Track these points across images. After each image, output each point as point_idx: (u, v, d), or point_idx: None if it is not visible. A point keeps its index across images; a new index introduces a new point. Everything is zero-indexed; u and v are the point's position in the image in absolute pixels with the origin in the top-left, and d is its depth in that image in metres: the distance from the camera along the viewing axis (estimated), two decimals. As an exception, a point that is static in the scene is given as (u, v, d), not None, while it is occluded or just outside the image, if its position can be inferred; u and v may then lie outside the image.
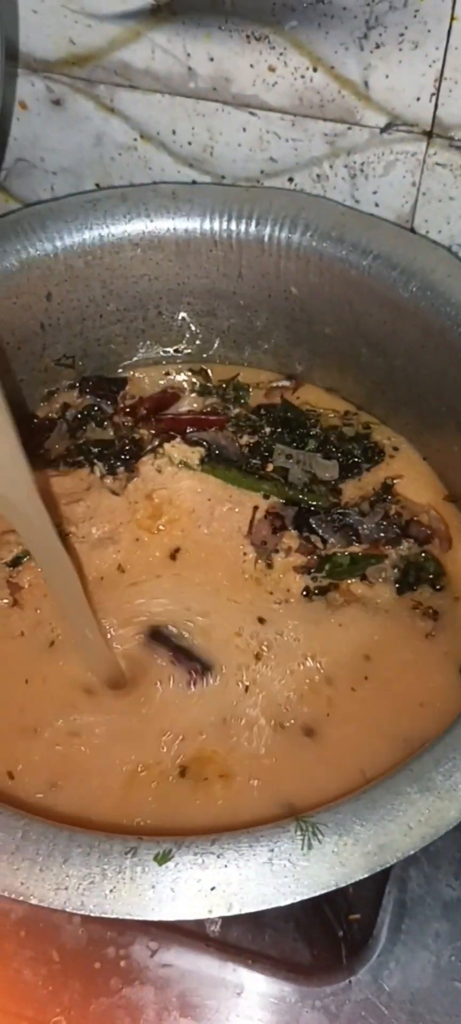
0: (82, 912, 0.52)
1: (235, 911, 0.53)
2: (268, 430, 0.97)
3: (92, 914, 0.52)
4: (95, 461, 0.93)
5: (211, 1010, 0.70)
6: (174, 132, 0.98)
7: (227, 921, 0.73)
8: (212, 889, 0.54)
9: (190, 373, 1.03)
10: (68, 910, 0.52)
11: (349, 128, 0.93)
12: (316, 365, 1.02)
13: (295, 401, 1.01)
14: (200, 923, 0.73)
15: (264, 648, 0.82)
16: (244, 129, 0.96)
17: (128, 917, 0.51)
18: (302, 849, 0.55)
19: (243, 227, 0.94)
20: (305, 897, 0.53)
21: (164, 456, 0.92)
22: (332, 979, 0.72)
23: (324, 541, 0.88)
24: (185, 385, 1.02)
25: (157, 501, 0.90)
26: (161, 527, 0.88)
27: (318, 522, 0.89)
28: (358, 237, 0.92)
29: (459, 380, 0.87)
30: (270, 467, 0.94)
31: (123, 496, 0.90)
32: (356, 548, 0.88)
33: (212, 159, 0.99)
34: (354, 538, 0.88)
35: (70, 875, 0.54)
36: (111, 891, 0.53)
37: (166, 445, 0.92)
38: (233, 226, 0.94)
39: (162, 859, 0.54)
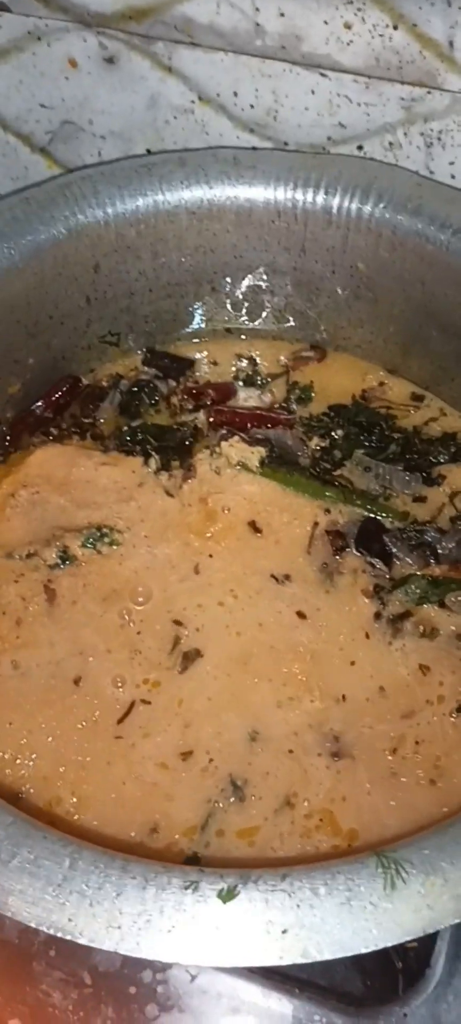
0: (136, 955, 0.46)
1: (310, 958, 0.47)
2: (340, 432, 0.88)
3: (147, 957, 0.46)
4: (151, 453, 0.85)
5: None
6: (236, 94, 0.92)
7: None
8: (284, 932, 0.48)
9: (239, 359, 0.95)
10: (122, 952, 0.45)
11: (429, 92, 0.86)
12: (377, 343, 0.94)
13: (335, 374, 0.93)
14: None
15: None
16: (313, 92, 0.89)
17: (189, 963, 0.45)
18: (385, 889, 0.49)
19: (310, 196, 0.88)
20: (389, 944, 0.47)
21: (221, 455, 0.84)
22: (385, 1011, 0.65)
23: (392, 562, 0.79)
24: (236, 371, 0.94)
25: (211, 506, 0.82)
26: (210, 535, 0.80)
27: (392, 539, 0.80)
28: (436, 210, 0.85)
29: None
30: (339, 473, 0.85)
31: (177, 498, 0.82)
32: (434, 570, 0.78)
33: (275, 124, 0.92)
34: (432, 558, 0.79)
35: (124, 912, 0.47)
36: (169, 932, 0.47)
37: (224, 444, 0.84)
38: (299, 195, 0.88)
39: (227, 896, 0.48)
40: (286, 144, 0.94)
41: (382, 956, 0.64)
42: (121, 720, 0.70)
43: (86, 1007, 0.64)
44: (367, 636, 0.75)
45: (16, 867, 0.49)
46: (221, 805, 0.66)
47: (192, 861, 0.63)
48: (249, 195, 0.88)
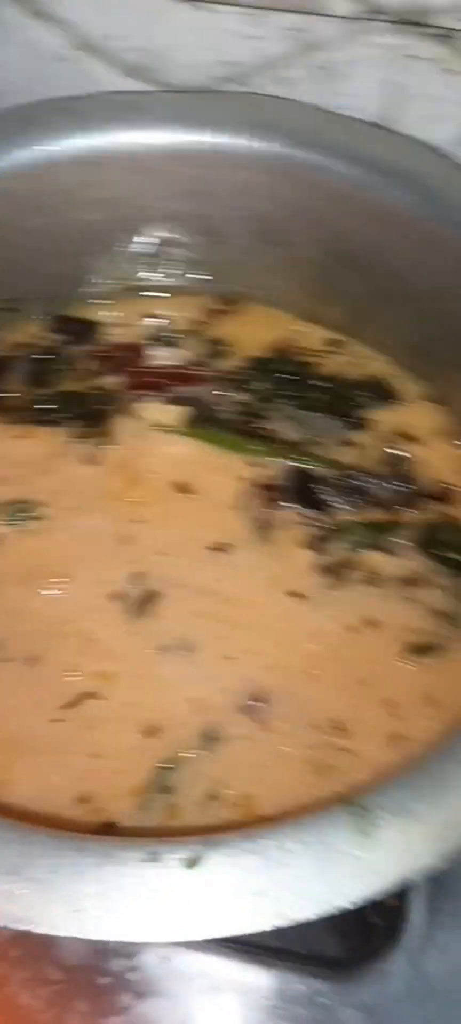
0: (100, 938, 0.43)
1: (288, 920, 0.45)
2: (261, 386, 0.87)
3: (112, 939, 0.43)
4: (67, 421, 0.83)
5: (238, 1019, 0.64)
6: (118, 36, 0.90)
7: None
8: (256, 896, 0.45)
9: (148, 318, 0.93)
10: (82, 937, 0.43)
11: (314, 21, 0.86)
12: (291, 291, 0.93)
13: (242, 328, 0.92)
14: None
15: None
16: (196, 29, 0.88)
17: (158, 940, 0.43)
18: (359, 839, 0.47)
19: (206, 137, 0.86)
20: (374, 894, 0.46)
21: (139, 417, 0.83)
22: (368, 971, 0.66)
23: (326, 510, 0.79)
24: (146, 330, 0.92)
25: (134, 470, 0.80)
26: (137, 500, 0.79)
27: (323, 487, 0.80)
28: (341, 143, 0.84)
29: (466, 294, 0.79)
30: (265, 427, 0.85)
31: (97, 465, 0.81)
32: (369, 515, 0.79)
33: (159, 66, 0.91)
34: (365, 503, 0.80)
35: (82, 894, 0.45)
36: (132, 909, 0.45)
37: (142, 406, 0.83)
38: (194, 137, 0.86)
39: (191, 864, 0.46)
40: (174, 88, 0.92)
41: (359, 916, 0.64)
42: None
43: (57, 1004, 0.63)
44: (309, 587, 0.75)
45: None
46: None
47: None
48: (141, 140, 0.86)
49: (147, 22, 0.89)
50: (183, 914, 0.46)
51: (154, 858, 0.47)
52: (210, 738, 0.68)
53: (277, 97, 0.89)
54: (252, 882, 0.47)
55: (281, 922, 0.46)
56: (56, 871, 0.46)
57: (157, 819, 0.64)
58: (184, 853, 0.47)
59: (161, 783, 0.66)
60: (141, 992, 0.65)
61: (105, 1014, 0.63)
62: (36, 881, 0.46)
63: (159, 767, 0.66)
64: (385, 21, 0.85)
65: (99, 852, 0.47)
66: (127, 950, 0.66)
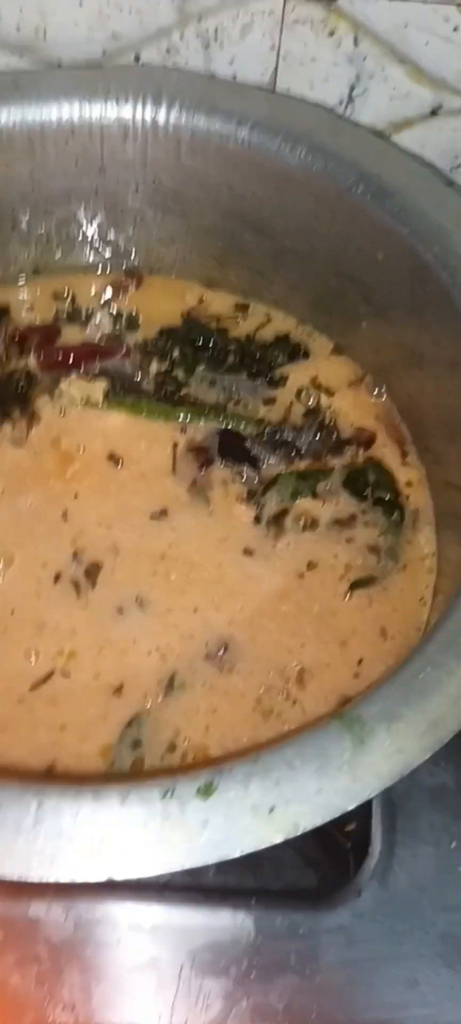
0: (129, 877, 0.46)
1: (302, 829, 0.50)
2: (177, 353, 0.91)
3: (144, 876, 0.47)
4: None
5: (227, 959, 0.67)
6: (-5, 16, 0.89)
7: (222, 865, 0.69)
8: (271, 812, 0.50)
9: (56, 298, 0.96)
10: (118, 878, 0.46)
11: (198, -14, 0.88)
12: (192, 259, 0.98)
13: (148, 300, 0.96)
14: (193, 874, 0.70)
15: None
16: (80, 4, 0.90)
17: (189, 866, 0.47)
18: (354, 746, 0.53)
19: (101, 111, 0.89)
20: (378, 791, 0.51)
21: (63, 396, 0.85)
22: (342, 897, 0.71)
23: (258, 466, 0.84)
24: (56, 310, 0.95)
25: (65, 448, 0.83)
26: (71, 476, 0.82)
27: (252, 444, 0.85)
28: (232, 107, 0.89)
29: (363, 245, 0.86)
30: (188, 393, 0.89)
31: (26, 447, 0.83)
32: (298, 465, 0.85)
33: (45, 44, 0.92)
34: (294, 455, 0.85)
35: (106, 838, 0.48)
36: (157, 843, 0.48)
37: (62, 384, 0.86)
38: (89, 111, 0.89)
39: (206, 792, 0.50)
40: (60, 65, 0.94)
41: (328, 845, 0.69)
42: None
43: (49, 980, 0.65)
44: (251, 542, 0.80)
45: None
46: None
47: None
48: (37, 116, 0.87)
49: (28, 1, 0.90)
50: (206, 840, 0.49)
51: (171, 793, 0.50)
52: (172, 685, 0.72)
53: (168, 67, 0.93)
54: (265, 800, 0.51)
55: (294, 832, 0.50)
56: (75, 819, 0.48)
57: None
58: (197, 783, 0.50)
59: (127, 739, 0.69)
60: (130, 953, 0.67)
61: (98, 980, 0.66)
62: (57, 831, 0.49)
63: (125, 726, 0.69)
64: (269, -14, 0.89)
65: (117, 794, 0.49)
66: (109, 918, 0.68)
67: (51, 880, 0.47)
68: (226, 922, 0.69)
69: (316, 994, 0.67)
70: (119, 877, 0.47)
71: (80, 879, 0.47)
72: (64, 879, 0.47)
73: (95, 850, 0.48)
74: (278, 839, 0.49)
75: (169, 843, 0.49)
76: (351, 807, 0.51)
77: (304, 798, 0.51)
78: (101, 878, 0.47)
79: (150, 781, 0.51)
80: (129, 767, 0.68)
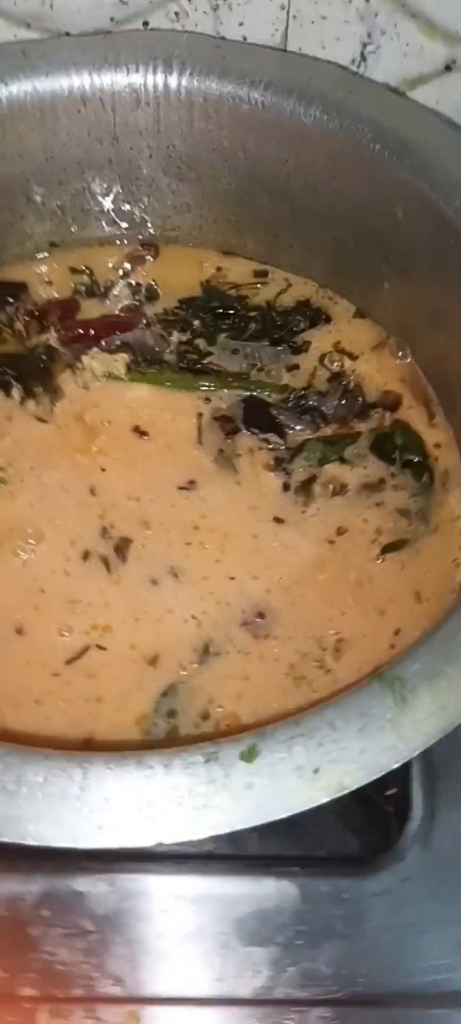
0: (177, 840, 0.47)
1: (347, 789, 0.50)
2: (198, 323, 0.92)
3: (192, 838, 0.48)
4: (12, 383, 0.85)
5: (273, 927, 0.68)
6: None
7: (265, 834, 0.70)
8: (316, 772, 0.51)
9: (73, 272, 0.96)
10: (166, 842, 0.47)
11: None
12: (208, 227, 0.98)
13: (166, 270, 0.96)
14: (236, 843, 0.72)
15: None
16: (87, -29, 0.89)
17: (238, 828, 0.47)
18: (396, 704, 0.53)
19: (112, 77, 0.89)
20: (423, 748, 0.52)
21: (85, 370, 0.86)
22: (386, 861, 0.72)
23: (284, 433, 0.85)
24: (74, 284, 0.95)
25: (89, 422, 0.84)
26: (97, 449, 0.82)
27: (278, 411, 0.85)
28: (244, 69, 0.89)
29: (382, 204, 0.86)
30: (208, 362, 0.90)
31: (51, 422, 0.83)
32: (325, 431, 0.85)
33: (52, 13, 0.92)
34: (320, 420, 0.85)
35: (153, 804, 0.49)
36: (204, 806, 0.49)
37: (84, 358, 0.86)
38: (100, 78, 0.89)
39: (249, 756, 0.51)
40: (67, 34, 0.93)
41: (370, 811, 0.70)
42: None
43: (98, 953, 0.66)
44: (281, 509, 0.80)
45: (26, 793, 0.49)
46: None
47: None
48: (48, 86, 0.88)
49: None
50: (252, 802, 0.50)
51: (214, 758, 0.50)
52: (207, 652, 0.73)
53: (179, 31, 0.92)
54: (309, 762, 0.51)
55: (339, 792, 0.51)
56: (120, 785, 0.50)
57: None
58: (240, 747, 0.51)
59: (163, 709, 0.70)
60: (175, 924, 0.68)
61: (145, 952, 0.67)
62: (104, 800, 0.50)
63: (160, 696, 0.70)
64: None
65: (160, 762, 0.50)
66: (151, 891, 0.69)
67: (99, 846, 0.48)
68: (270, 890, 0.70)
69: (364, 958, 0.68)
70: (167, 841, 0.48)
71: (128, 844, 0.48)
72: (112, 845, 0.48)
73: (142, 816, 0.49)
74: (323, 799, 0.50)
75: (215, 807, 0.50)
76: (396, 765, 0.52)
77: (349, 758, 0.52)
78: (149, 843, 0.48)
79: (192, 747, 0.51)
80: (164, 736, 0.68)
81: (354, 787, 0.51)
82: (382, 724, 0.53)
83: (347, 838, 0.75)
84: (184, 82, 0.89)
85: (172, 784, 0.50)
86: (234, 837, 0.52)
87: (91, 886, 0.68)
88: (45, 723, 0.69)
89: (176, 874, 0.70)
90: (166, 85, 0.89)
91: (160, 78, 0.89)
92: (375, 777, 0.51)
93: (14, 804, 0.49)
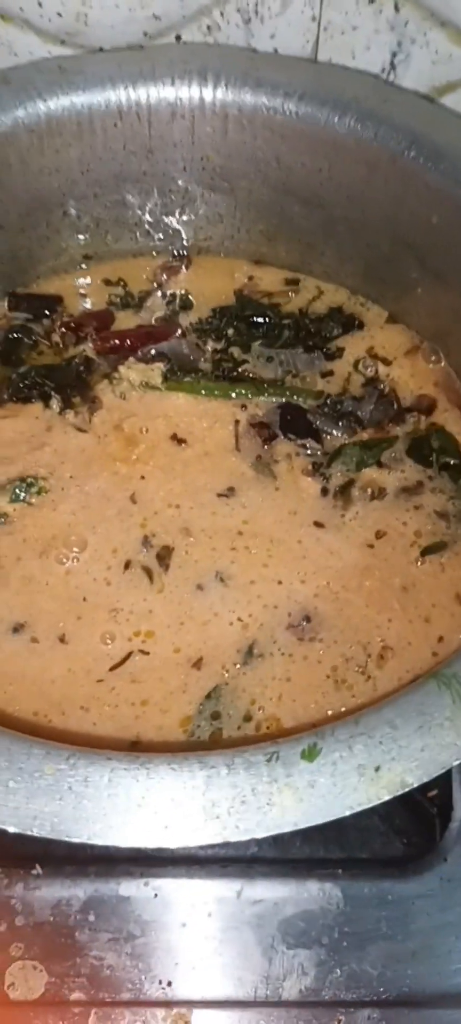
0: (243, 838, 0.47)
1: (409, 787, 0.50)
2: (232, 331, 0.92)
3: (256, 836, 0.47)
4: (51, 394, 0.85)
5: (318, 929, 0.68)
6: (40, 4, 0.91)
7: (308, 837, 0.70)
8: (377, 770, 0.50)
9: (107, 284, 0.97)
10: (233, 840, 0.47)
11: (241, -35, 0.88)
12: (241, 236, 0.98)
13: (198, 280, 0.97)
14: (280, 846, 0.71)
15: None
16: (120, -13, 0.89)
17: (302, 826, 0.47)
18: (454, 703, 0.53)
19: (148, 92, 0.89)
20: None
21: (122, 380, 0.86)
22: (429, 863, 0.72)
23: (322, 438, 0.85)
24: (108, 295, 0.96)
25: (128, 431, 0.84)
26: (136, 458, 0.82)
27: (314, 417, 0.85)
28: (277, 80, 0.89)
29: (417, 209, 0.86)
30: (243, 370, 0.90)
31: (90, 432, 0.84)
32: (362, 435, 0.85)
33: (87, 29, 0.92)
34: (356, 425, 0.85)
35: (217, 802, 0.48)
36: (268, 805, 0.49)
37: (121, 368, 0.86)
38: (136, 93, 0.89)
39: (310, 755, 0.50)
40: (101, 50, 0.94)
41: (413, 812, 0.69)
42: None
43: (144, 957, 0.66)
44: (321, 514, 0.80)
45: (92, 794, 0.49)
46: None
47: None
48: (85, 101, 0.88)
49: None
50: (314, 800, 0.50)
51: (276, 757, 0.50)
52: (251, 654, 0.73)
53: (212, 44, 0.93)
54: (370, 760, 0.51)
55: (401, 789, 0.51)
56: (186, 787, 0.49)
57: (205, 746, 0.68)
58: (300, 746, 0.51)
59: (207, 711, 0.70)
60: (223, 927, 0.68)
61: (193, 952, 0.66)
62: (173, 801, 0.50)
63: (204, 698, 0.70)
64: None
65: (223, 762, 0.50)
66: (198, 894, 0.69)
67: (166, 846, 0.48)
68: (314, 893, 0.69)
69: (410, 959, 0.68)
70: (234, 839, 0.48)
71: (194, 844, 0.48)
72: (178, 845, 0.48)
73: (207, 815, 0.49)
74: (386, 797, 0.50)
75: (279, 805, 0.49)
76: (456, 762, 0.52)
77: (409, 756, 0.51)
78: (216, 841, 0.48)
79: (253, 747, 0.51)
80: (208, 738, 0.68)
81: (416, 784, 0.50)
82: (441, 722, 0.53)
83: (390, 839, 0.74)
84: (219, 94, 0.89)
85: (235, 783, 0.50)
86: (278, 839, 0.52)
87: (136, 890, 0.68)
88: (92, 728, 0.69)
89: (221, 877, 0.69)
90: (201, 98, 0.89)
91: (195, 91, 0.89)
92: (436, 775, 0.51)
93: (81, 806, 0.48)
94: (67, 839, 0.48)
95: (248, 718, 0.70)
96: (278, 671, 0.72)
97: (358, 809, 0.49)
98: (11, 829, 0.48)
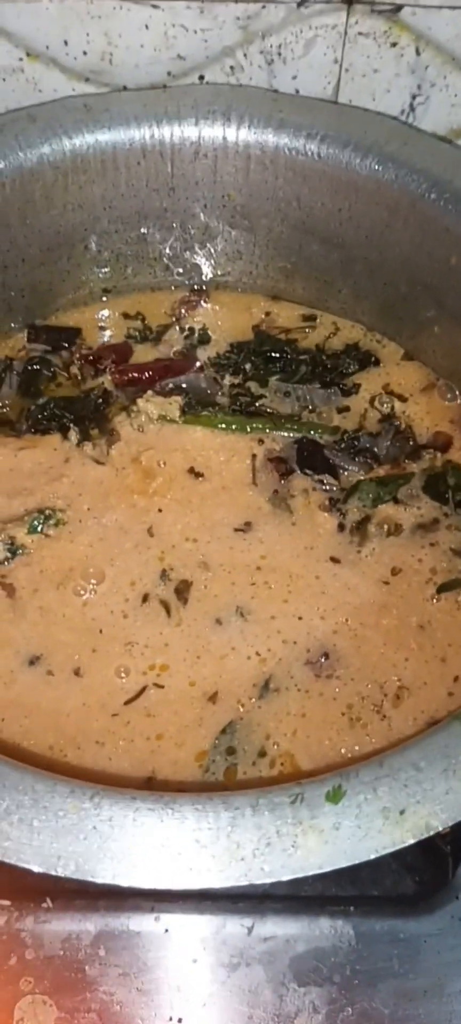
0: (266, 880, 0.46)
1: (434, 830, 0.49)
2: (249, 366, 0.92)
3: (279, 879, 0.46)
4: (69, 426, 0.85)
5: (329, 967, 0.66)
6: (66, 43, 0.91)
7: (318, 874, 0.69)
8: (402, 814, 0.49)
9: (126, 317, 0.97)
10: (257, 882, 0.46)
11: (263, 7, 0.89)
12: (259, 273, 0.98)
13: (216, 314, 0.97)
14: (292, 883, 0.67)
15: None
16: (146, 27, 0.91)
17: (327, 869, 0.46)
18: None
19: (172, 130, 0.90)
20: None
21: (140, 413, 0.85)
22: (442, 900, 0.70)
23: (338, 474, 0.84)
24: (126, 329, 0.96)
25: (145, 464, 0.83)
26: (154, 491, 0.82)
27: (331, 453, 0.85)
28: (300, 121, 0.89)
29: (436, 251, 0.86)
30: (260, 404, 0.90)
31: (108, 464, 0.83)
32: (378, 471, 0.85)
33: (112, 68, 0.93)
34: (372, 461, 0.85)
35: (241, 844, 0.47)
36: (292, 847, 0.48)
37: (139, 401, 0.86)
38: (160, 131, 0.90)
39: (335, 797, 0.49)
40: (125, 88, 0.94)
41: (426, 849, 0.68)
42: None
43: (156, 993, 0.64)
44: (337, 549, 0.79)
45: (117, 835, 0.48)
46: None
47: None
48: (109, 138, 0.88)
49: (94, 26, 0.91)
50: (339, 843, 0.49)
51: (300, 799, 0.49)
52: (267, 688, 0.72)
53: (234, 85, 0.93)
54: (395, 803, 0.50)
55: (426, 833, 0.50)
56: (212, 829, 0.49)
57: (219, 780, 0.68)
58: (325, 788, 0.50)
59: (222, 746, 0.69)
60: (233, 964, 0.67)
61: (206, 990, 0.65)
62: (197, 843, 0.49)
63: (220, 733, 0.69)
64: (333, 1, 0.89)
65: (247, 804, 0.49)
66: (208, 930, 0.68)
67: (190, 887, 0.47)
68: (326, 930, 0.68)
69: (421, 998, 0.66)
70: (258, 882, 0.47)
71: (218, 886, 0.47)
72: (202, 886, 0.47)
73: (232, 857, 0.48)
74: (411, 840, 0.49)
75: (304, 847, 0.48)
76: (479, 807, 0.50)
77: (434, 799, 0.50)
78: (241, 884, 0.47)
79: (277, 788, 0.50)
80: (223, 773, 0.68)
81: (440, 828, 0.49)
82: (466, 763, 0.52)
83: (402, 877, 0.73)
84: (242, 134, 0.89)
85: (259, 824, 0.49)
86: None
87: (146, 925, 0.66)
88: (108, 763, 0.68)
89: (232, 913, 0.68)
90: (224, 137, 0.90)
91: (219, 130, 0.90)
92: (458, 820, 0.50)
93: (105, 846, 0.48)
94: (92, 879, 0.46)
95: (263, 753, 0.69)
96: (293, 707, 0.71)
97: (383, 853, 0.48)
98: (36, 868, 0.47)
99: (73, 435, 0.84)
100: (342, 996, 0.66)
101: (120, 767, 0.68)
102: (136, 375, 0.90)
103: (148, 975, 0.66)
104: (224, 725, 0.70)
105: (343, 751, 0.69)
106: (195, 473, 0.83)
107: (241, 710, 0.71)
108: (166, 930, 0.67)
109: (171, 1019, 0.64)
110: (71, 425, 0.85)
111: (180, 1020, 0.65)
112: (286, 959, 0.67)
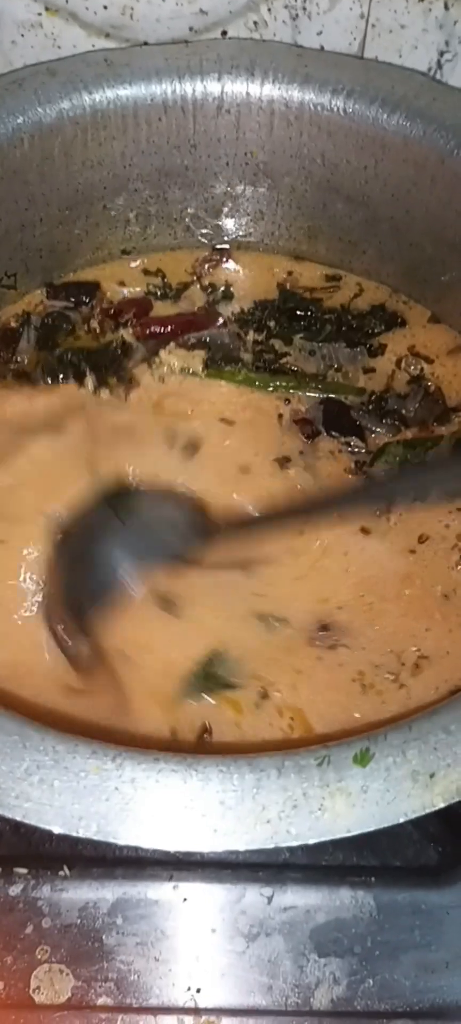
0: (290, 843, 0.44)
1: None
2: (273, 323, 0.90)
3: (303, 842, 0.44)
4: (86, 372, 0.83)
5: (350, 938, 0.65)
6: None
7: (340, 844, 0.67)
8: (432, 777, 0.48)
9: (146, 274, 0.95)
10: (284, 845, 0.44)
11: (289, -39, 0.86)
12: (281, 232, 0.96)
13: (238, 274, 0.95)
14: (312, 853, 0.68)
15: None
16: (167, -19, 0.87)
17: (355, 832, 0.44)
18: None
19: (194, 86, 0.87)
20: None
21: (162, 364, 0.84)
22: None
23: (365, 436, 0.82)
24: (144, 288, 0.94)
25: (169, 412, 0.81)
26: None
27: (358, 414, 0.83)
28: (326, 76, 0.87)
29: (463, 210, 0.83)
30: (284, 362, 0.88)
31: (132, 410, 0.82)
32: (406, 434, 0.82)
33: (132, 23, 0.91)
34: (400, 424, 0.83)
35: (267, 806, 0.46)
36: (319, 809, 0.46)
37: (162, 353, 0.84)
38: (182, 86, 0.87)
39: (363, 760, 0.48)
40: (146, 44, 0.92)
41: (448, 819, 0.67)
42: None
43: (173, 961, 0.64)
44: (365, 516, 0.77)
45: (141, 798, 0.46)
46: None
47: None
48: (130, 94, 0.86)
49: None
50: (368, 806, 0.47)
51: (327, 761, 0.48)
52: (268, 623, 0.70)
53: (258, 40, 0.90)
54: (425, 766, 0.48)
55: (457, 797, 0.48)
56: (237, 791, 0.47)
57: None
58: (352, 750, 0.48)
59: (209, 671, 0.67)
60: (252, 933, 0.65)
61: (224, 958, 0.64)
62: (223, 805, 0.48)
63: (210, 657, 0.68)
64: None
65: (274, 765, 0.48)
66: (228, 897, 0.66)
67: (214, 849, 0.45)
68: (347, 900, 0.67)
69: (444, 970, 0.65)
70: (285, 844, 0.45)
71: (243, 848, 0.45)
72: (227, 848, 0.45)
73: (258, 819, 0.47)
74: (441, 804, 0.48)
75: (331, 810, 0.47)
76: None
77: (462, 764, 0.48)
78: (268, 846, 0.45)
79: (303, 750, 0.48)
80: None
81: (467, 795, 0.47)
82: (497, 729, 0.50)
83: (424, 847, 0.71)
84: (266, 90, 0.87)
85: (285, 786, 0.47)
86: (310, 845, 0.49)
87: (164, 893, 0.65)
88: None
89: (251, 882, 0.67)
90: (248, 92, 0.87)
91: (242, 86, 0.87)
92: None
93: (127, 807, 0.46)
94: (114, 840, 0.45)
95: (265, 695, 0.67)
96: (290, 659, 0.69)
97: (412, 816, 0.46)
98: (56, 830, 0.45)
99: (89, 382, 0.83)
100: (363, 967, 0.65)
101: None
102: (158, 328, 0.88)
103: (166, 944, 0.65)
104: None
105: (357, 715, 0.67)
106: (218, 429, 0.81)
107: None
108: (185, 899, 0.66)
109: (189, 989, 0.63)
110: (88, 371, 0.83)
111: (198, 990, 0.63)
112: (306, 929, 0.66)
